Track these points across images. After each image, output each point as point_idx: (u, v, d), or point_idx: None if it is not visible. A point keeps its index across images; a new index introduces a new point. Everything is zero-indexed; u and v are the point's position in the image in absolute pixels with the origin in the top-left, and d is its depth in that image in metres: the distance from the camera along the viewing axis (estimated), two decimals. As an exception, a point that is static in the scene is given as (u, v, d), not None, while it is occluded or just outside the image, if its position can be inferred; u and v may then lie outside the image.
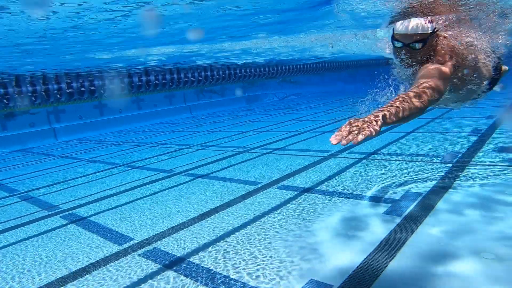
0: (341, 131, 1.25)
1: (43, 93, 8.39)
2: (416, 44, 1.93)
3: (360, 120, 1.33)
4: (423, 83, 1.70)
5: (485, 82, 2.34)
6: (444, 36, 2.11)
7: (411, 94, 1.61)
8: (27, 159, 8.58)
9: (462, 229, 2.30)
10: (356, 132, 1.23)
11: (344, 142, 1.21)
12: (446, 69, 1.88)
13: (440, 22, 2.36)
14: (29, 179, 5.92)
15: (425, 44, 1.93)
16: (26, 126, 12.09)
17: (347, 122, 1.33)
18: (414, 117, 1.58)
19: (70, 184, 5.09)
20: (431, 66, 1.89)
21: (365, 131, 1.23)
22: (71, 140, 12.11)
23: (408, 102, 1.54)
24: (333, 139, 1.23)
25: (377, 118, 1.35)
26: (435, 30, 1.98)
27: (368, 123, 1.29)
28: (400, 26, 1.98)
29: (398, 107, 1.47)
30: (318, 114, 10.39)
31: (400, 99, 1.55)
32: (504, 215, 2.43)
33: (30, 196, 4.71)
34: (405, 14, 2.93)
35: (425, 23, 1.94)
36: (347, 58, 13.48)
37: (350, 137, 1.21)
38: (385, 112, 1.41)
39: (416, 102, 1.57)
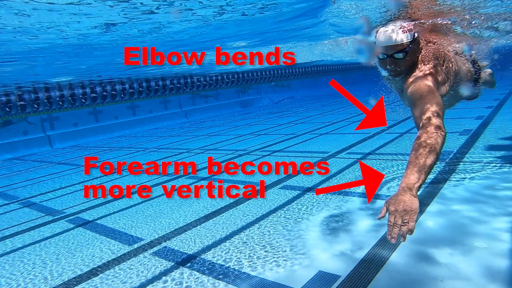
0: (392, 225, 1.31)
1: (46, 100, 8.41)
2: (400, 54, 1.94)
3: (399, 201, 1.36)
4: (427, 116, 1.67)
5: (470, 82, 2.48)
6: (426, 41, 2.16)
7: (429, 135, 1.58)
8: (25, 166, 8.53)
9: (456, 222, 2.45)
10: (406, 221, 1.31)
11: (403, 240, 1.30)
12: (430, 81, 1.90)
13: (418, 28, 2.46)
14: (29, 186, 5.91)
15: (408, 53, 1.95)
16: (20, 134, 12.00)
17: (391, 211, 1.34)
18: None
19: (71, 190, 5.12)
20: (418, 86, 1.86)
21: (412, 217, 1.32)
22: (66, 147, 12.04)
23: (430, 149, 1.53)
24: (394, 240, 1.29)
25: (415, 192, 1.42)
26: (416, 37, 1.99)
27: (408, 204, 1.35)
28: (380, 38, 1.98)
29: (429, 162, 1.49)
30: (314, 117, 10.58)
31: (423, 151, 1.52)
32: (493, 207, 2.60)
33: (31, 202, 4.72)
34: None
35: (405, 31, 1.94)
36: (339, 62, 13.77)
37: (404, 229, 1.29)
38: (420, 183, 1.46)
39: (438, 142, 1.55)
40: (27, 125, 11.97)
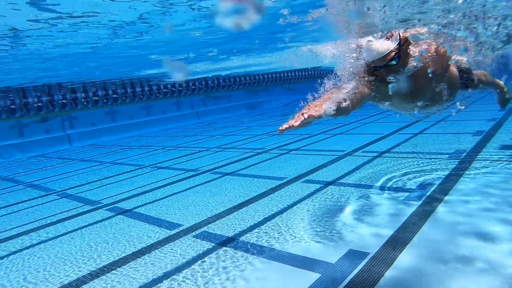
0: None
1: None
2: (393, 61, 1.93)
3: None
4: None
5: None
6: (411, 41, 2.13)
7: None
8: (51, 162, 8.97)
9: (471, 213, 2.68)
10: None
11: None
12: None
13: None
14: (60, 180, 6.29)
15: (400, 56, 1.95)
16: (42, 133, 12.50)
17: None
18: None
19: (103, 183, 5.47)
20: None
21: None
22: (85, 145, 12.50)
23: None
24: None
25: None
26: (401, 38, 1.95)
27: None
28: (368, 54, 1.96)
29: None
30: (326, 119, 10.80)
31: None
32: (507, 199, 2.82)
33: (68, 194, 5.08)
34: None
35: (388, 38, 1.93)
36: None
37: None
38: None
39: None
40: (48, 124, 12.50)
